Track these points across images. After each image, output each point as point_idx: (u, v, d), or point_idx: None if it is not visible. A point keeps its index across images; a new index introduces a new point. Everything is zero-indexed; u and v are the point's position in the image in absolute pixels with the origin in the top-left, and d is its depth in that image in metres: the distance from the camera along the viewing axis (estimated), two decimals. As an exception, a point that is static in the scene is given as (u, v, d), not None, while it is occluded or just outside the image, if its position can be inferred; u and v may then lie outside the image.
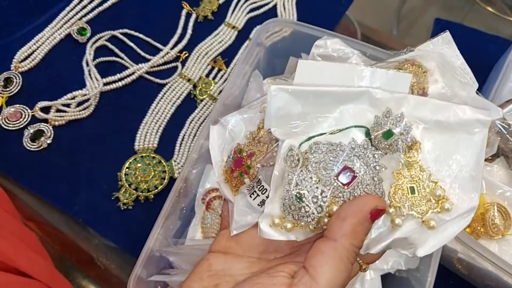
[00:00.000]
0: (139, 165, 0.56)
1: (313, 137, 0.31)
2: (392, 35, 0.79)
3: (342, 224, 0.29)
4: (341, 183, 0.30)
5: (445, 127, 0.31)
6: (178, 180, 0.47)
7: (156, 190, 0.55)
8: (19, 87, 0.60)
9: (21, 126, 0.58)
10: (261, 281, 0.29)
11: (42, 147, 0.57)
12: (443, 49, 0.40)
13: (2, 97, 0.59)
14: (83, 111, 0.59)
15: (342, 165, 0.30)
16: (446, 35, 0.41)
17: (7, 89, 0.60)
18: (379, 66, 0.44)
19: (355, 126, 0.31)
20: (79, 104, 0.60)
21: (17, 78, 0.61)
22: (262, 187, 0.34)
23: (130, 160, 0.57)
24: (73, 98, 0.60)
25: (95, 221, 0.54)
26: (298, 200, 0.30)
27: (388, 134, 0.30)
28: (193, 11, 0.69)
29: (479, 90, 0.59)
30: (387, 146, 0.30)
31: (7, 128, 0.58)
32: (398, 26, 0.80)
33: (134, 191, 0.55)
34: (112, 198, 0.55)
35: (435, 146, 0.31)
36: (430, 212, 0.30)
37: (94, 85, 0.61)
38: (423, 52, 0.41)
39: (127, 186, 0.55)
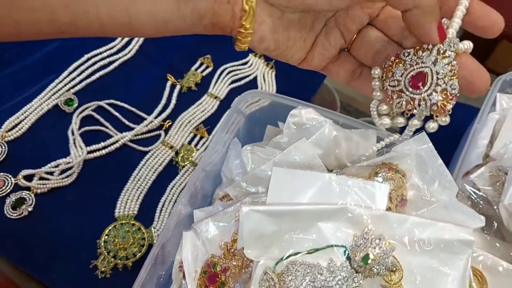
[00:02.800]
0: (118, 232, 0.57)
1: (290, 256, 0.30)
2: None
3: None
4: None
5: (427, 248, 0.30)
6: (155, 247, 0.47)
7: (135, 258, 0.55)
8: (4, 156, 0.62)
9: (3, 194, 0.59)
10: None
11: (23, 215, 0.57)
12: (420, 150, 0.40)
13: (-13, 165, 0.61)
14: (65, 179, 0.61)
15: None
16: (422, 135, 0.40)
17: (-8, 158, 0.61)
18: (356, 169, 0.44)
19: (334, 246, 0.30)
20: (62, 172, 0.61)
21: (3, 147, 0.62)
22: None
23: (110, 228, 0.57)
24: (56, 166, 0.61)
25: (72, 291, 0.54)
26: None
27: (367, 258, 0.29)
28: (177, 83, 0.72)
29: (452, 156, 0.61)
30: (367, 270, 0.29)
31: (-11, 196, 0.58)
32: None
33: (112, 259, 0.55)
34: (90, 266, 0.55)
35: (417, 269, 0.31)
36: None
37: (78, 153, 0.62)
38: (400, 154, 0.40)
39: (106, 253, 0.55)
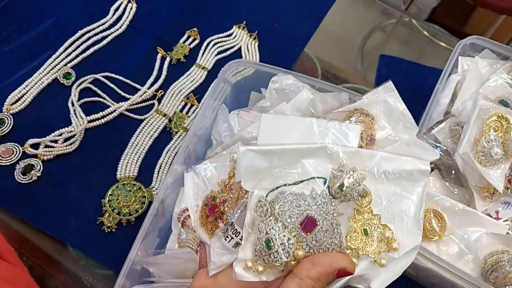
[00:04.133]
0: (121, 191, 0.63)
1: (279, 187, 0.36)
2: (351, 71, 0.88)
3: (311, 268, 0.33)
4: (304, 230, 0.34)
5: (391, 177, 0.36)
6: (155, 202, 0.53)
7: (137, 214, 0.62)
8: (10, 127, 0.67)
9: (13, 161, 0.64)
10: None
11: (32, 180, 0.63)
12: (387, 97, 0.46)
13: (-5, 136, 0.66)
14: (69, 146, 0.66)
15: (305, 213, 0.34)
16: (389, 84, 0.47)
17: (0, 130, 0.67)
18: (333, 114, 0.50)
19: (315, 178, 0.36)
20: (66, 140, 0.67)
21: (9, 119, 0.68)
22: (235, 230, 0.38)
23: (113, 188, 0.63)
24: (60, 135, 0.67)
25: (82, 244, 0.60)
26: (268, 247, 0.34)
27: (343, 186, 0.35)
28: (167, 55, 0.77)
29: (419, 115, 0.68)
30: (343, 196, 0.35)
31: (0, 164, 0.64)
32: (362, 62, 0.89)
33: (117, 215, 0.61)
34: (97, 223, 0.61)
35: (383, 194, 0.36)
36: (381, 252, 0.35)
37: (79, 122, 0.68)
38: (370, 101, 0.47)
39: (111, 211, 0.61)
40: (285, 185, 0.36)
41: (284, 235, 0.34)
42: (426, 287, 0.59)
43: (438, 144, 0.60)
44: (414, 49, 0.86)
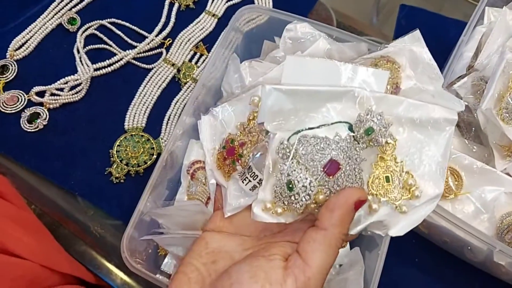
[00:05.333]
0: (129, 142, 0.62)
1: (302, 131, 0.35)
2: (367, 23, 0.84)
3: (332, 215, 0.32)
4: (327, 173, 0.33)
5: (417, 124, 0.35)
6: (164, 153, 0.52)
7: (146, 165, 0.61)
8: (14, 74, 0.65)
9: (18, 109, 0.63)
10: (259, 263, 0.32)
11: (38, 128, 0.62)
12: (413, 46, 0.44)
13: (-1, 83, 0.64)
14: (75, 95, 0.64)
15: (328, 157, 0.33)
16: (416, 33, 0.45)
17: (4, 76, 0.65)
18: (359, 61, 0.48)
19: (340, 122, 0.35)
20: (72, 88, 0.65)
21: (13, 65, 0.65)
22: (253, 173, 0.37)
23: (121, 138, 0.62)
24: (66, 83, 0.65)
25: (90, 194, 0.60)
26: (289, 188, 0.33)
27: (369, 130, 0.34)
28: (175, 1, 0.73)
29: (440, 69, 0.65)
30: (368, 141, 0.34)
31: (5, 111, 0.62)
32: (378, 15, 0.85)
33: (125, 166, 0.60)
34: (105, 173, 0.60)
35: (409, 141, 0.35)
36: (402, 199, 0.35)
37: (85, 70, 0.66)
38: (396, 49, 0.45)
39: (119, 161, 0.60)
40: (308, 128, 0.35)
41: (306, 178, 0.33)
42: (438, 245, 0.58)
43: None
44: (433, 2, 0.82)
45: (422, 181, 0.35)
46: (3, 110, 0.62)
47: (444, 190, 0.55)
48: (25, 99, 0.63)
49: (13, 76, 0.65)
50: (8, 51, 0.66)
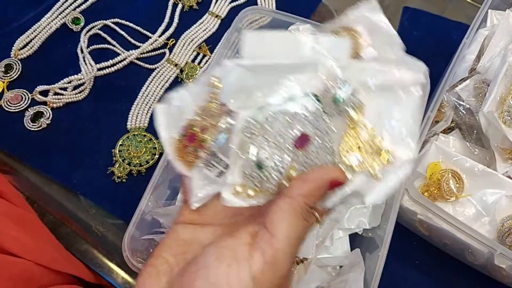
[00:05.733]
0: (131, 142, 0.62)
1: (268, 106, 0.34)
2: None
3: (302, 185, 0.31)
4: (297, 148, 0.32)
5: (385, 89, 0.34)
6: (165, 153, 0.52)
7: (148, 165, 0.61)
8: (18, 73, 0.65)
9: (22, 108, 0.63)
10: (225, 243, 0.31)
11: (41, 127, 0.62)
12: (370, 14, 0.42)
13: (3, 82, 0.64)
14: (79, 94, 0.65)
15: (296, 131, 0.33)
16: (373, 1, 0.42)
17: (8, 75, 0.65)
18: (319, 30, 0.48)
19: (306, 94, 0.34)
20: (75, 87, 0.65)
21: (17, 64, 0.66)
22: (218, 158, 0.35)
23: (123, 138, 0.62)
24: (69, 82, 0.65)
25: (92, 193, 0.60)
26: (259, 168, 0.32)
27: (337, 99, 0.33)
28: (179, 2, 0.74)
29: (442, 71, 0.65)
30: (336, 110, 0.33)
31: (9, 110, 0.63)
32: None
33: (127, 165, 0.61)
34: (107, 172, 0.60)
35: (378, 107, 0.34)
36: (376, 166, 0.34)
37: (89, 70, 0.66)
38: (354, 17, 0.43)
39: (121, 161, 0.61)
40: (274, 104, 0.34)
41: (276, 155, 0.32)
42: (438, 248, 0.58)
43: (461, 102, 0.58)
44: (437, 4, 0.82)
45: (395, 146, 0.34)
46: (7, 109, 0.63)
47: (445, 192, 0.55)
48: (28, 98, 0.64)
49: (17, 75, 0.65)
50: (12, 50, 0.67)
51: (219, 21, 0.73)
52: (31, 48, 0.67)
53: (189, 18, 0.73)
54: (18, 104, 0.63)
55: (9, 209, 0.47)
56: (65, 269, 0.48)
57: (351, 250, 0.54)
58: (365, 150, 0.34)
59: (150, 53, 0.69)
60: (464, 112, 0.57)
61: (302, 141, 0.32)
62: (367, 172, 0.34)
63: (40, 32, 0.68)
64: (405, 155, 0.34)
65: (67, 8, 0.71)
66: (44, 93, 0.64)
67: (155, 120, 0.38)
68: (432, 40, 0.74)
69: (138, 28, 0.71)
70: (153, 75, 0.68)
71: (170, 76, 0.68)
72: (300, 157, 0.32)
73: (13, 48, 0.67)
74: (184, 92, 0.38)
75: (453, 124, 0.59)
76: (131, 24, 0.71)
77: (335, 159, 0.33)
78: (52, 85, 0.64)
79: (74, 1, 0.71)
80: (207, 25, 0.73)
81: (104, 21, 0.70)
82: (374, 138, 0.34)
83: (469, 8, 0.81)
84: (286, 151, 0.32)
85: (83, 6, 0.71)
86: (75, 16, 0.70)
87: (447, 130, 0.60)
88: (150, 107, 0.65)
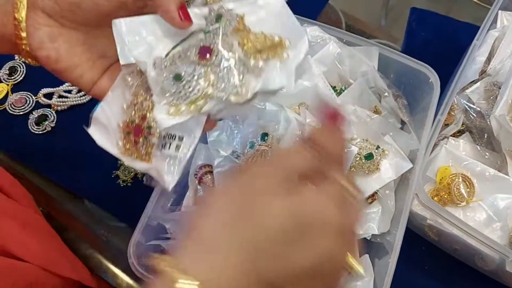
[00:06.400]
0: (136, 145, 0.61)
1: (168, 53, 0.36)
2: (377, 26, 0.84)
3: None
4: (200, 57, 0.35)
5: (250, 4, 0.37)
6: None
7: (153, 168, 0.60)
8: (23, 76, 0.65)
9: (26, 111, 0.63)
10: None
11: (46, 131, 0.62)
12: None
13: (8, 84, 0.64)
14: (83, 97, 0.64)
15: (199, 46, 0.35)
16: None
17: (12, 77, 0.65)
18: None
19: (197, 30, 0.36)
20: (80, 90, 0.65)
21: (21, 67, 0.65)
22: (170, 135, 0.37)
23: (128, 141, 0.61)
24: (73, 85, 0.64)
25: (97, 197, 0.59)
26: (177, 79, 0.35)
27: (218, 15, 0.36)
28: (184, 3, 0.73)
29: (452, 73, 0.63)
30: (219, 16, 0.36)
31: (13, 113, 0.62)
32: (386, 17, 0.84)
33: (132, 169, 0.60)
34: (112, 176, 0.60)
35: (253, 14, 0.37)
36: (279, 53, 0.36)
37: (93, 72, 0.65)
38: None
39: (126, 165, 0.60)
40: (172, 48, 0.36)
41: (188, 68, 0.35)
42: (448, 253, 0.57)
43: (472, 105, 0.57)
44: (443, 4, 0.81)
45: (284, 34, 0.36)
46: (11, 112, 0.62)
47: (456, 197, 0.54)
48: (33, 101, 0.63)
49: (21, 78, 0.65)
50: (16, 52, 0.66)
51: (225, 22, 0.72)
52: (35, 50, 0.67)
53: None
54: (23, 107, 0.63)
55: (17, 212, 0.47)
56: (68, 274, 0.48)
57: (360, 256, 0.53)
58: (264, 43, 0.36)
59: (155, 55, 0.69)
60: (475, 115, 0.57)
61: (204, 51, 0.35)
62: (274, 58, 0.36)
63: (44, 34, 0.68)
64: (298, 37, 0.36)
65: (71, 9, 0.70)
66: (49, 95, 0.64)
67: (97, 141, 0.40)
68: (440, 41, 0.73)
69: (143, 29, 0.70)
70: (158, 77, 0.67)
71: (175, 79, 0.67)
72: (210, 67, 0.35)
73: (17, 50, 0.66)
74: (105, 103, 0.39)
75: (463, 127, 0.58)
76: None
77: (242, 59, 0.35)
78: (57, 88, 0.64)
79: (79, 3, 0.71)
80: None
81: (109, 23, 0.70)
82: (265, 37, 0.36)
83: (475, 8, 0.80)
84: (196, 64, 0.35)
85: (88, 8, 0.71)
86: (80, 18, 0.69)
87: (457, 134, 0.59)
88: (155, 110, 0.65)
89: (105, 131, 0.40)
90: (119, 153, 0.39)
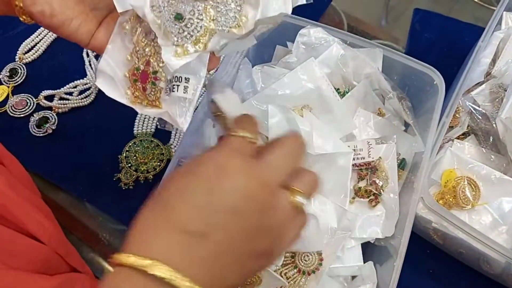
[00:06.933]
0: (138, 148, 0.61)
1: None
2: (378, 26, 0.83)
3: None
4: None
5: None
6: (173, 160, 0.51)
7: (155, 171, 0.60)
8: (23, 77, 0.65)
9: (27, 113, 0.62)
10: None
11: (47, 133, 0.61)
12: None
13: (8, 86, 0.64)
14: (84, 99, 0.64)
15: None
16: None
17: (13, 80, 0.64)
18: None
19: None
20: (81, 92, 0.64)
21: (22, 69, 0.65)
22: (176, 77, 0.37)
23: (130, 144, 0.61)
24: (75, 87, 0.64)
25: (99, 200, 0.59)
26: (179, 18, 0.34)
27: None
28: (186, 4, 0.73)
29: (456, 75, 0.63)
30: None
31: (14, 115, 0.62)
32: (387, 18, 0.84)
33: (134, 172, 0.59)
34: (114, 179, 0.59)
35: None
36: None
37: (95, 74, 0.65)
38: None
39: (128, 167, 0.59)
40: None
41: (187, 6, 0.34)
42: (453, 256, 0.57)
43: (477, 107, 0.56)
44: (443, 4, 0.80)
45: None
46: (12, 114, 0.62)
47: (461, 200, 0.54)
48: (34, 103, 0.63)
49: (22, 80, 0.64)
50: (17, 54, 0.66)
51: (227, 24, 0.72)
52: (36, 52, 0.66)
53: (196, 21, 0.72)
54: (23, 110, 0.62)
55: (32, 197, 0.47)
56: (75, 264, 0.48)
57: (363, 259, 0.53)
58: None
59: (156, 57, 0.68)
60: (480, 118, 0.56)
61: None
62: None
63: (45, 36, 0.67)
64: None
65: (72, 11, 0.70)
66: (50, 98, 0.63)
67: (106, 93, 0.40)
68: (444, 42, 0.72)
69: (145, 31, 0.70)
70: (160, 79, 0.67)
71: (177, 80, 0.67)
72: (208, 2, 0.34)
73: (18, 52, 0.66)
74: (105, 55, 0.39)
75: (468, 130, 0.58)
76: (137, 27, 0.70)
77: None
78: (58, 90, 0.63)
79: (80, 4, 0.70)
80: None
81: (110, 24, 0.69)
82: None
83: (476, 7, 0.80)
84: (193, 1, 0.34)
85: (89, 9, 0.70)
86: (81, 19, 0.69)
87: (462, 136, 0.58)
88: (157, 112, 0.64)
89: (112, 82, 0.39)
90: (129, 102, 0.39)
